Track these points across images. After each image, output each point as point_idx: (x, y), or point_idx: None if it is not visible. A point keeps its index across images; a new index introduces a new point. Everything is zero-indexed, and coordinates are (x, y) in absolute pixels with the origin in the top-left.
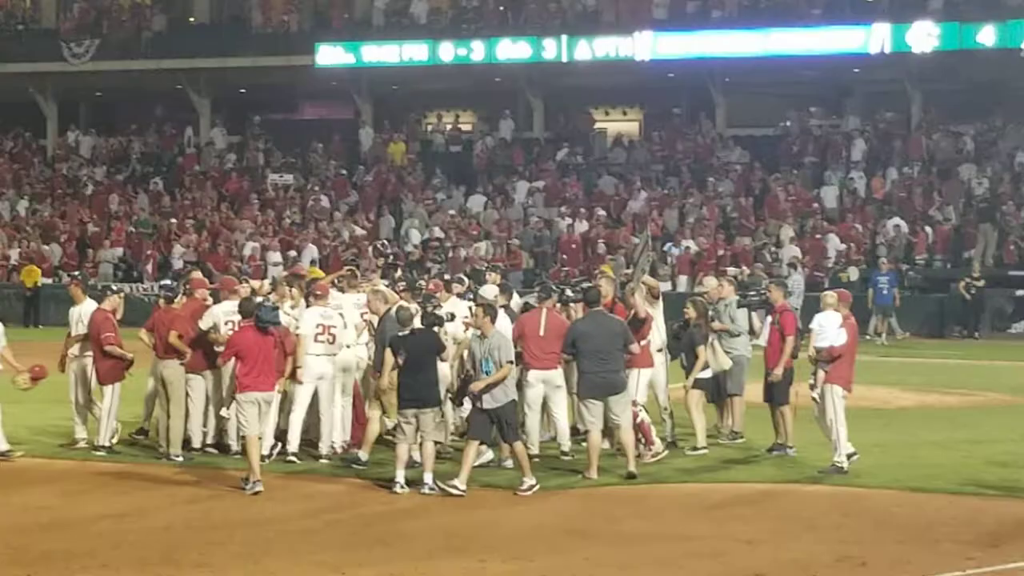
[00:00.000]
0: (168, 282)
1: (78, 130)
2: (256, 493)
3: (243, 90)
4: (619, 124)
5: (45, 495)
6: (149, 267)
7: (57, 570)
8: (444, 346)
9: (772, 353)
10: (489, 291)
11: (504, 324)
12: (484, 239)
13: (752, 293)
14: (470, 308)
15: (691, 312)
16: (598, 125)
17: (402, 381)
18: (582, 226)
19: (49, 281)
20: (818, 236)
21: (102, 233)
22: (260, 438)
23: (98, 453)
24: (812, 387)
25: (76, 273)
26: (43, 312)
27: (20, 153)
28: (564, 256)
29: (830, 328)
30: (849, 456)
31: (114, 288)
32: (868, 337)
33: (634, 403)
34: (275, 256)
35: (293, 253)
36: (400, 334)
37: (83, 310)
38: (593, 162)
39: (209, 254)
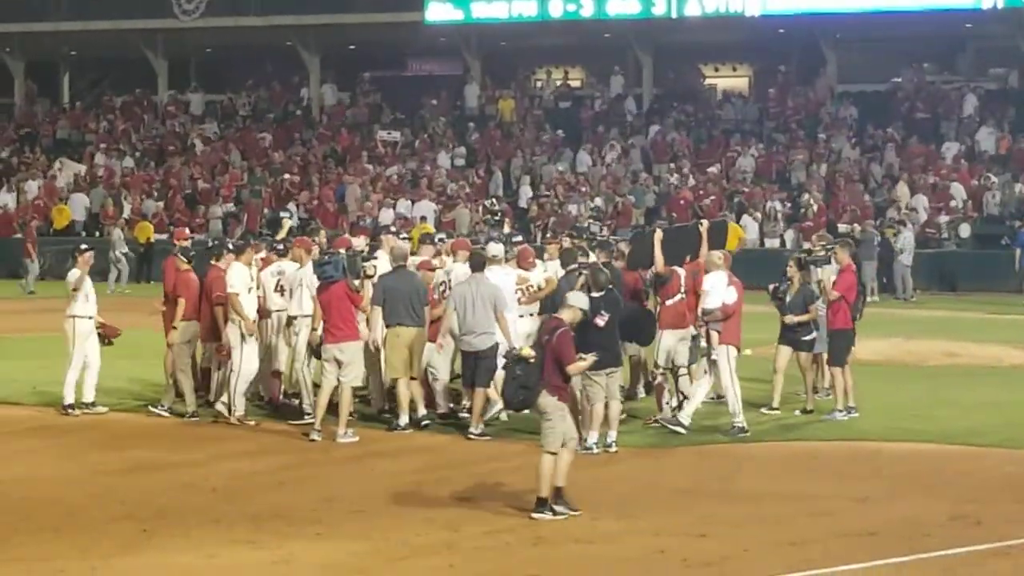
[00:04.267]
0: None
1: (188, 87)
2: None
3: (352, 46)
4: (729, 80)
5: (154, 451)
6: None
7: (171, 525)
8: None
9: (832, 313)
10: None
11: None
12: (596, 195)
13: (818, 250)
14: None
15: (793, 270)
16: (708, 81)
17: (597, 343)
18: (690, 183)
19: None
20: (938, 186)
21: (212, 189)
22: None
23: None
24: (707, 351)
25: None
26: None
27: (131, 110)
28: (674, 214)
29: (719, 288)
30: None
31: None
32: None
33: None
34: (387, 212)
35: (403, 210)
36: (595, 295)
37: None
38: (702, 118)
39: (318, 210)
